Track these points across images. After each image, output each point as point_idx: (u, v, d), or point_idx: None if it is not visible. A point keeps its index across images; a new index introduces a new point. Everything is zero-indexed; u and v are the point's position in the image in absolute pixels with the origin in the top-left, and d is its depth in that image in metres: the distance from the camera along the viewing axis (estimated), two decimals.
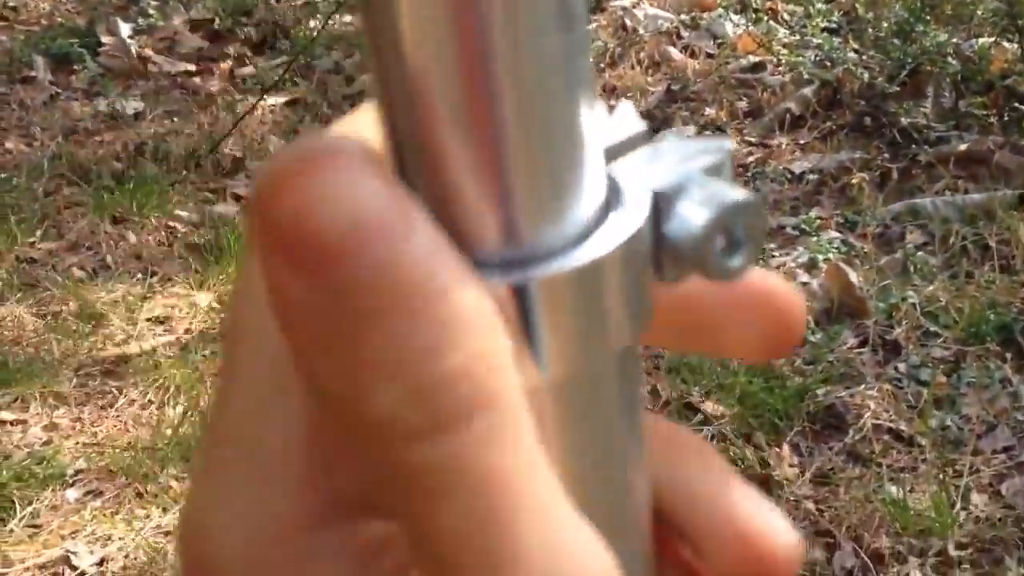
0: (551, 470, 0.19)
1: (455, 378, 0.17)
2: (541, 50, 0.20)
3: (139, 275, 2.48)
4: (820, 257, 2.49)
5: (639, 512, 0.25)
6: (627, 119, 0.25)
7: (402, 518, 0.18)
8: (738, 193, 0.23)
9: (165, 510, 1.86)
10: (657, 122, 3.46)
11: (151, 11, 3.92)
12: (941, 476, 1.80)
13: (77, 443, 2.02)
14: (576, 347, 0.22)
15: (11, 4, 4.06)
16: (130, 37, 3.74)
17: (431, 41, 0.20)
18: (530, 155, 0.21)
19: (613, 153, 0.24)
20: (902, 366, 2.10)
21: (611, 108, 0.25)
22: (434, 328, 0.17)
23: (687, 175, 0.23)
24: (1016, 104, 3.10)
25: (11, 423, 2.07)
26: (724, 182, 0.23)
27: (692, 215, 0.22)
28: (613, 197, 0.23)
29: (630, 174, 0.23)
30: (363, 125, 0.24)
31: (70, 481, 1.93)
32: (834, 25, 3.59)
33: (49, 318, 2.32)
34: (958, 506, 1.74)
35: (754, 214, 0.23)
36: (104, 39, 3.70)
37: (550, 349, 0.21)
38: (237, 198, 2.86)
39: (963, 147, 2.97)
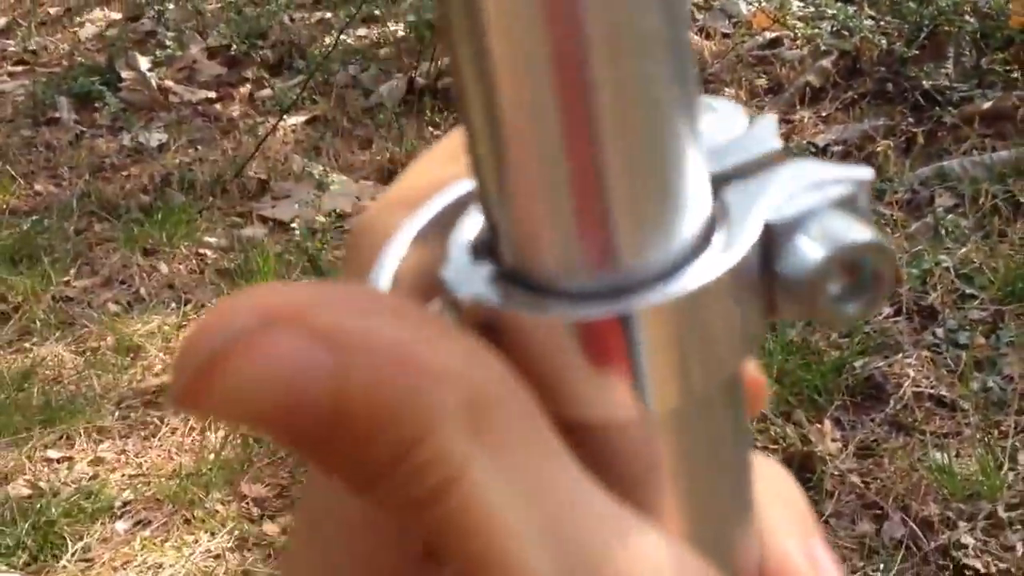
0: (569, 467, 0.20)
1: (425, 466, 0.19)
2: (642, 68, 0.19)
3: (173, 304, 2.51)
4: None
5: (750, 550, 0.24)
6: (764, 135, 0.23)
7: (454, 560, 0.20)
8: (863, 233, 0.21)
9: (213, 534, 1.88)
10: None
11: (168, 42, 3.97)
12: (986, 439, 1.78)
13: (123, 475, 2.05)
14: (682, 377, 0.21)
15: (31, 48, 4.12)
16: (149, 70, 3.78)
17: (523, 57, 0.19)
18: (630, 176, 0.20)
19: (741, 172, 0.22)
20: (939, 331, 2.07)
21: (752, 120, 0.23)
22: (391, 445, 0.19)
23: (811, 206, 0.21)
24: None
25: (57, 460, 2.10)
26: (852, 218, 0.21)
27: (807, 252, 0.21)
28: (721, 220, 0.22)
29: (747, 199, 0.22)
30: (445, 158, 0.25)
31: (118, 513, 1.96)
32: None
33: (88, 354, 2.36)
34: (1005, 467, 1.72)
35: (880, 258, 0.21)
36: (124, 74, 3.75)
37: (654, 381, 0.21)
38: (264, 220, 2.88)
39: (987, 105, 2.93)
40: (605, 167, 0.20)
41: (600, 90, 0.19)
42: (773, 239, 0.21)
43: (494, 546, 0.19)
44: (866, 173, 0.22)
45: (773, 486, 0.26)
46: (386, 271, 0.23)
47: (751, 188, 0.22)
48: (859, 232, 0.21)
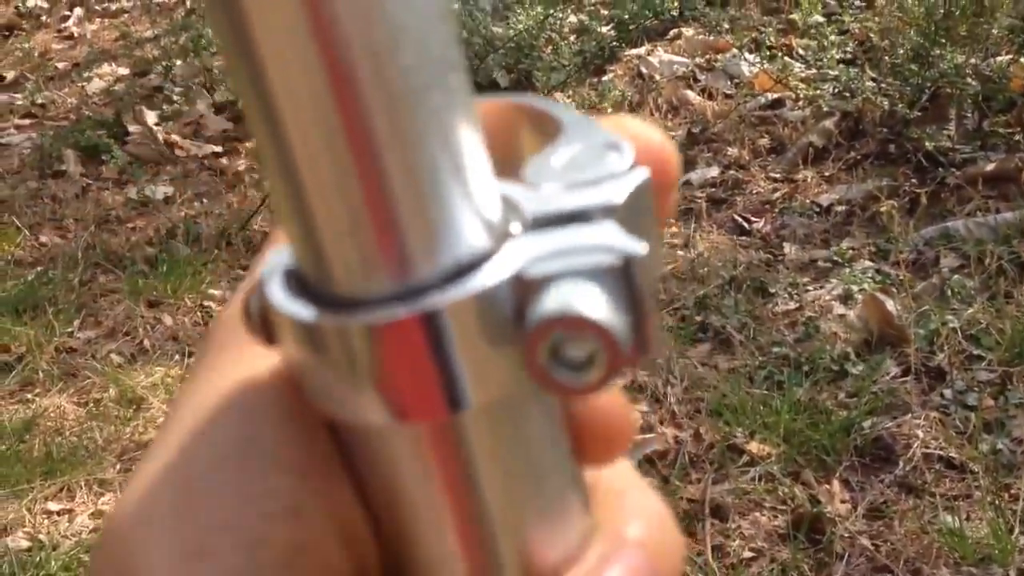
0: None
1: None
2: (415, 101, 0.21)
3: (176, 356, 2.50)
4: (855, 288, 2.47)
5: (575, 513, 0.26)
6: (617, 189, 0.24)
7: None
8: (576, 309, 0.21)
9: None
10: (682, 166, 3.46)
11: (175, 98, 3.99)
12: (996, 502, 1.76)
13: None
14: (494, 370, 0.22)
15: (39, 101, 4.15)
16: (156, 124, 3.80)
17: (305, 96, 0.21)
18: (415, 190, 0.21)
19: (554, 220, 0.23)
20: (948, 392, 2.07)
21: (628, 169, 0.24)
22: None
23: (565, 269, 0.22)
24: None
25: (58, 513, 2.08)
26: (593, 293, 0.22)
27: (533, 311, 0.22)
28: (510, 229, 0.23)
29: (534, 244, 0.23)
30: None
31: None
32: (849, 56, 3.58)
33: (90, 406, 2.34)
34: (1016, 531, 1.70)
35: (592, 337, 0.21)
36: (131, 128, 3.77)
37: (469, 375, 0.22)
38: None
39: (990, 167, 2.94)
40: (388, 184, 0.21)
41: (375, 116, 0.21)
42: (526, 290, 0.22)
43: None
44: (639, 248, 0.22)
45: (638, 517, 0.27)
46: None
47: (546, 236, 0.23)
48: (575, 308, 0.21)
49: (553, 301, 0.21)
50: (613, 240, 0.22)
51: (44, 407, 2.35)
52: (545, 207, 0.23)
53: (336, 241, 0.22)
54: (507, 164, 0.24)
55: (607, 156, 0.24)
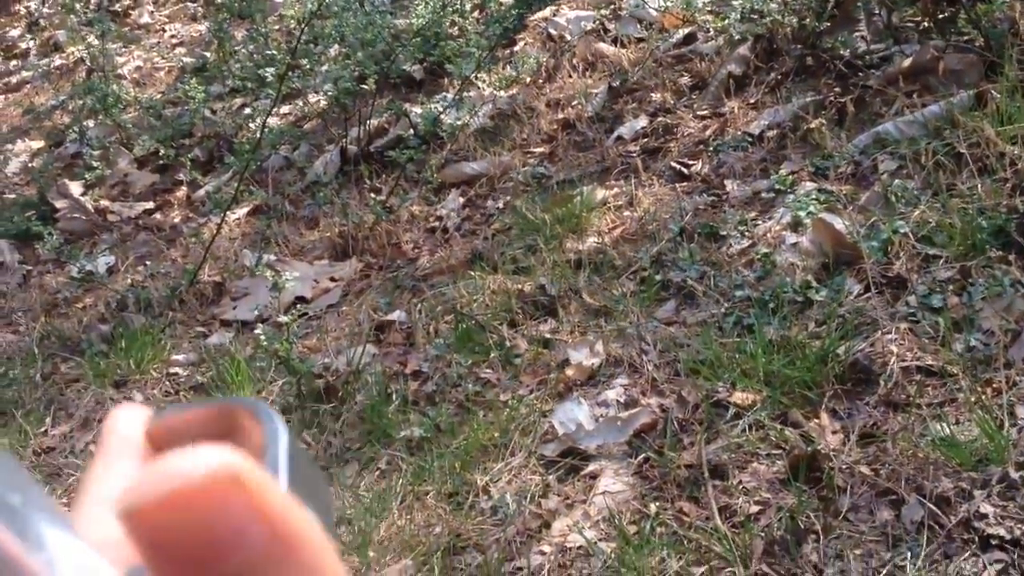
0: None
1: None
2: None
3: None
4: (802, 214, 2.49)
5: None
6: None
7: None
8: None
9: None
10: (609, 122, 3.47)
11: (95, 163, 3.94)
12: (981, 400, 1.79)
13: None
14: None
15: None
16: (82, 194, 3.76)
17: None
18: None
19: None
20: (911, 299, 2.09)
21: None
22: None
23: None
24: (944, 3, 3.10)
25: None
26: None
27: None
28: None
29: None
30: None
31: None
32: None
33: None
34: (1007, 425, 1.73)
35: None
36: (58, 204, 3.72)
37: None
38: (227, 324, 2.86)
39: (907, 63, 2.96)
40: None
41: None
42: None
43: None
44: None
45: None
46: None
47: None
48: None
49: None
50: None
51: None
52: None
53: None
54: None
55: None
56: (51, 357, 2.83)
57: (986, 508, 1.60)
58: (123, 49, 4.91)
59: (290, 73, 3.42)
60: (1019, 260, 2.09)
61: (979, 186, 2.33)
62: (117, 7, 5.52)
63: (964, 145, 2.46)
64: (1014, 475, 1.62)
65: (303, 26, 3.26)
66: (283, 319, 2.39)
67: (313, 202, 3.35)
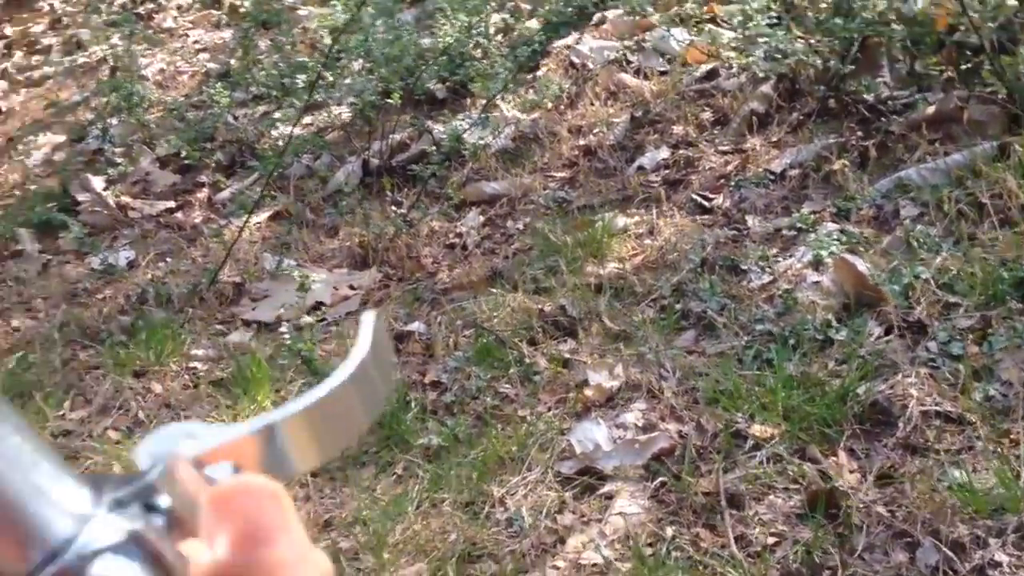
0: None
1: None
2: None
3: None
4: (824, 253, 2.52)
5: None
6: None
7: None
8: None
9: None
10: (630, 151, 3.51)
11: (118, 159, 3.97)
12: (999, 450, 1.82)
13: None
14: None
15: None
16: (104, 189, 3.78)
17: None
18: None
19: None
20: (932, 345, 2.12)
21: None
22: None
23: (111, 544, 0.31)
24: (968, 54, 3.14)
25: None
26: (126, 562, 0.31)
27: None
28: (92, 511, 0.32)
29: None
30: None
31: None
32: (775, 18, 3.63)
33: None
34: (1023, 477, 1.76)
35: None
36: (80, 197, 3.75)
37: None
38: (247, 323, 2.88)
39: (931, 110, 3.01)
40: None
41: None
42: (85, 562, 0.30)
43: None
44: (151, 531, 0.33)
45: None
46: None
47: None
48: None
49: (97, 570, 0.30)
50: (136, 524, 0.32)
51: None
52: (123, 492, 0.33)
53: None
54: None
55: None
56: (71, 343, 2.86)
57: (1001, 556, 1.63)
58: (147, 51, 4.95)
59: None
60: None
61: (1000, 237, 2.37)
62: (141, 10, 5.56)
63: (986, 195, 2.50)
64: None
65: (337, 35, 3.31)
66: (307, 320, 2.42)
67: (334, 211, 3.38)
